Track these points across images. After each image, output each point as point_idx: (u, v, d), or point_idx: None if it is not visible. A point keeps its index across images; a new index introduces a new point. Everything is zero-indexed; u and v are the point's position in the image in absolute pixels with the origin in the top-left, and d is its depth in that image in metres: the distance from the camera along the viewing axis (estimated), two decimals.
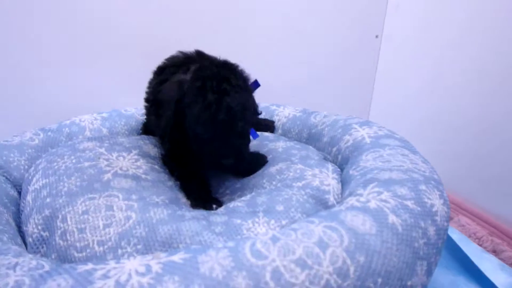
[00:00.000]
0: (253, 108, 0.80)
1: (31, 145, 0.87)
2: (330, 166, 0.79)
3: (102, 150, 0.82)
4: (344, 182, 0.74)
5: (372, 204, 0.55)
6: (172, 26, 1.21)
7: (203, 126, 0.71)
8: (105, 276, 0.43)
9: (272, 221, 0.62)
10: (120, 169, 0.77)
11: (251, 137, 0.84)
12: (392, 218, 0.52)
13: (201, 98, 0.69)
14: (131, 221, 0.64)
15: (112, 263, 0.46)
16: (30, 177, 0.78)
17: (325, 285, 0.43)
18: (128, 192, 0.70)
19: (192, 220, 0.64)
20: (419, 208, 0.56)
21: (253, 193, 0.73)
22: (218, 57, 0.81)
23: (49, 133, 0.93)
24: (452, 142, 1.12)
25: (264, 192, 0.71)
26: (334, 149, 0.87)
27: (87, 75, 1.21)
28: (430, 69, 1.20)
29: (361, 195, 0.60)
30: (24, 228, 0.69)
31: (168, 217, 0.65)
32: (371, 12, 1.24)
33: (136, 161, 0.81)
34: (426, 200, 0.58)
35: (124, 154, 0.82)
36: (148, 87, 0.91)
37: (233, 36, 1.21)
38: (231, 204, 0.71)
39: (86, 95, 1.22)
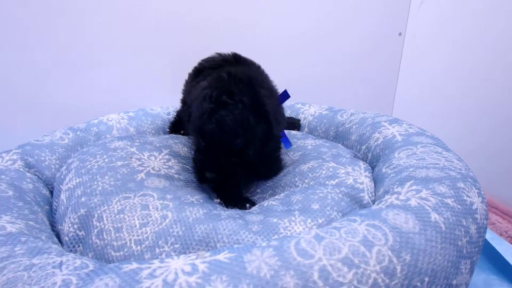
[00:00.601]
0: (266, 129, 0.74)
1: (61, 145, 0.89)
2: (362, 164, 0.78)
3: (133, 149, 0.83)
4: (376, 180, 0.74)
5: (413, 202, 0.54)
6: (197, 25, 1.21)
7: (194, 134, 0.72)
8: (152, 276, 0.43)
9: (309, 220, 0.62)
10: (153, 169, 0.77)
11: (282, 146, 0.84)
12: (434, 216, 0.51)
13: (200, 106, 0.69)
14: (167, 220, 0.64)
15: (156, 262, 0.46)
16: (62, 176, 0.79)
17: (373, 285, 0.42)
18: (162, 191, 0.70)
19: (229, 219, 0.64)
20: (459, 206, 0.55)
21: (286, 192, 0.73)
22: (255, 62, 0.81)
23: (78, 133, 0.94)
24: (480, 139, 1.10)
25: (298, 190, 0.71)
26: (364, 147, 0.87)
27: (113, 74, 1.22)
28: (454, 66, 1.19)
29: (399, 193, 0.59)
30: (59, 227, 0.70)
31: (204, 216, 0.65)
32: (394, 10, 1.22)
33: (167, 161, 0.82)
34: (465, 198, 0.57)
35: (155, 153, 0.83)
36: (184, 89, 0.92)
37: (257, 35, 1.21)
38: (265, 203, 0.70)
39: (113, 94, 1.23)
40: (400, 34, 1.26)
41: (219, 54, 0.86)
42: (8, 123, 1.17)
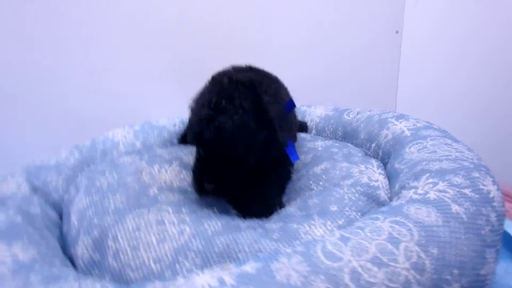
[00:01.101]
0: (271, 139, 0.71)
1: (68, 165, 0.87)
2: (374, 161, 0.78)
3: (143, 163, 0.82)
4: (390, 176, 0.74)
5: (432, 196, 0.54)
6: (205, 34, 1.21)
7: (193, 142, 0.69)
8: None
9: (329, 222, 0.61)
10: (165, 182, 0.76)
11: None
12: (455, 207, 0.51)
13: (198, 113, 0.67)
14: (185, 234, 0.63)
15: (181, 280, 0.46)
16: (71, 198, 0.78)
17: (405, 282, 0.42)
18: (177, 205, 0.69)
19: (249, 229, 0.63)
20: (477, 196, 0.55)
21: (302, 196, 0.72)
22: (268, 72, 0.81)
23: (84, 151, 0.93)
24: (484, 130, 1.11)
25: (314, 193, 0.70)
26: (373, 144, 0.87)
27: (118, 81, 1.21)
28: (452, 61, 1.20)
29: (416, 187, 0.59)
30: (72, 251, 0.69)
31: (223, 228, 0.64)
32: (390, 8, 1.23)
33: (179, 173, 0.81)
34: (481, 187, 0.57)
35: (165, 166, 0.82)
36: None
37: (255, 38, 1.20)
38: (283, 211, 0.70)
39: (117, 106, 1.22)
40: (397, 32, 1.26)
41: (234, 68, 0.83)
42: (9, 132, 1.15)
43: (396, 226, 0.48)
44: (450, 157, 0.65)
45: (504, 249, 0.81)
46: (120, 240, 0.64)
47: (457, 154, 0.66)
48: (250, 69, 0.83)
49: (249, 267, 0.45)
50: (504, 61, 1.06)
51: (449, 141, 0.72)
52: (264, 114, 0.68)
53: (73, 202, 0.76)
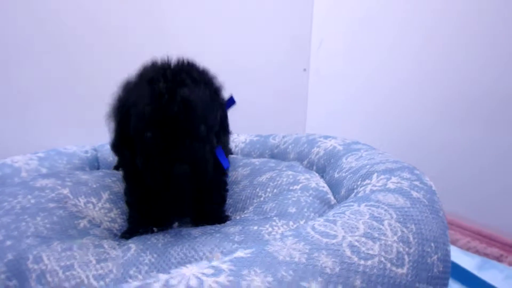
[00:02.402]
0: (224, 124, 0.68)
1: None
2: (314, 172, 0.80)
3: (66, 191, 0.70)
4: (330, 186, 0.76)
5: (391, 186, 0.57)
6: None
7: (151, 124, 0.54)
8: (168, 286, 0.36)
9: (291, 223, 0.60)
10: (93, 219, 0.67)
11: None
12: (415, 193, 0.55)
13: (149, 90, 0.54)
14: (132, 250, 0.55)
15: (163, 275, 0.38)
16: None
17: (397, 253, 0.42)
18: (115, 236, 0.61)
19: (205, 235, 0.58)
20: (426, 187, 0.59)
21: (253, 204, 0.69)
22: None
23: None
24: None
25: (268, 199, 0.68)
26: (305, 162, 0.89)
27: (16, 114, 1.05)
28: (355, 96, 1.34)
29: (368, 184, 0.62)
30: None
31: (174, 238, 0.58)
32: (298, 48, 1.36)
33: (109, 211, 0.71)
34: (425, 181, 0.62)
35: (93, 200, 0.71)
36: None
37: None
38: (237, 217, 0.66)
39: (14, 136, 1.04)
40: (304, 69, 1.39)
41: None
42: None
43: (374, 208, 0.49)
44: (389, 160, 0.71)
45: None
46: (46, 260, 0.53)
47: (394, 159, 0.72)
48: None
49: (243, 254, 0.40)
50: (412, 95, 1.22)
51: (380, 151, 0.79)
52: (217, 97, 0.63)
53: None
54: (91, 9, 1.11)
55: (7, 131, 1.08)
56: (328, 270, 0.37)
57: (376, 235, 0.43)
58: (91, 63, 1.15)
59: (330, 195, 0.70)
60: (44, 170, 0.86)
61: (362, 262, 0.39)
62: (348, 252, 0.40)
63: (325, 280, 0.37)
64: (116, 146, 0.62)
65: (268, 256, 0.39)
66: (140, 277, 0.51)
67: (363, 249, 0.41)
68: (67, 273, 0.51)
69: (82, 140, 1.02)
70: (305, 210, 0.63)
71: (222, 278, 0.36)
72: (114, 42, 1.16)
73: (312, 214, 0.63)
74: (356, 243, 0.41)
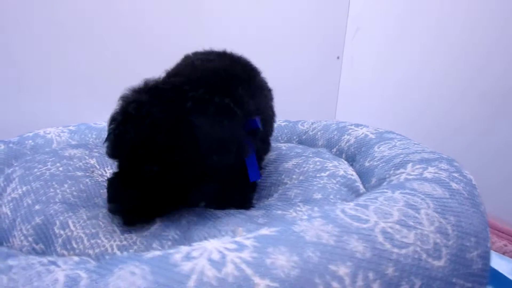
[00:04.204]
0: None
1: None
2: (343, 160, 0.77)
3: (93, 161, 0.71)
4: (360, 174, 0.73)
5: (428, 175, 0.54)
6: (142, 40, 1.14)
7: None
8: (188, 258, 0.35)
9: (316, 208, 0.58)
10: None
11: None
12: (454, 185, 0.51)
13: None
14: (156, 225, 0.54)
15: (184, 248, 0.37)
16: (0, 190, 0.63)
17: (434, 245, 0.39)
18: None
19: (228, 216, 0.56)
20: (465, 180, 0.56)
21: (278, 190, 0.68)
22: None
23: (11, 145, 0.78)
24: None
25: (293, 185, 0.66)
26: (334, 149, 0.86)
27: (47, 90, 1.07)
28: (391, 88, 1.29)
29: (403, 173, 0.59)
30: (4, 245, 0.54)
31: (198, 218, 0.57)
32: (332, 35, 1.31)
33: None
34: (465, 174, 0.58)
35: None
36: None
37: None
38: (262, 203, 0.64)
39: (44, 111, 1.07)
40: (338, 57, 1.34)
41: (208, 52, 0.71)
42: None
43: (409, 196, 0.46)
44: (425, 151, 0.67)
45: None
46: (72, 227, 0.53)
47: (430, 149, 0.68)
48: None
49: (268, 231, 0.38)
50: (447, 86, 1.17)
51: (415, 142, 0.75)
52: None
53: (3, 192, 0.62)
54: None
55: (37, 104, 1.10)
56: (358, 255, 0.35)
57: (411, 223, 0.40)
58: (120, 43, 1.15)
59: (359, 184, 0.67)
60: (74, 143, 0.88)
61: (395, 250, 0.37)
62: (380, 238, 0.37)
63: (355, 265, 0.34)
64: None
65: (294, 235, 0.37)
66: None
67: (397, 236, 0.38)
68: (92, 241, 0.51)
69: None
70: (331, 196, 0.60)
71: (245, 254, 0.35)
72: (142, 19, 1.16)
73: (339, 201, 0.60)
74: (390, 230, 0.39)
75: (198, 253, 0.35)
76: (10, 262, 0.36)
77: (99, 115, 1.05)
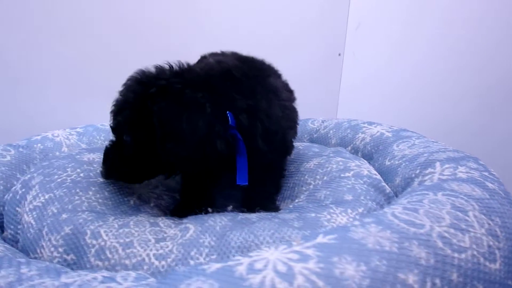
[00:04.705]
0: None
1: (3, 162, 0.69)
2: (362, 159, 0.77)
3: None
4: (382, 173, 0.73)
5: (462, 175, 0.54)
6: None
7: None
8: (253, 270, 0.34)
9: (349, 210, 0.57)
10: (141, 195, 0.66)
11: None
12: (490, 185, 0.52)
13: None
14: (191, 231, 0.53)
15: (242, 258, 0.37)
16: (18, 197, 0.61)
17: (488, 247, 0.40)
18: (166, 214, 0.60)
19: (263, 220, 0.56)
20: (495, 179, 0.56)
21: (304, 192, 0.67)
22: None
23: (20, 149, 0.75)
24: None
25: (320, 187, 0.66)
26: (349, 148, 0.86)
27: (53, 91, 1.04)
28: (392, 84, 1.30)
29: (433, 173, 0.59)
30: (31, 256, 0.52)
31: (232, 222, 0.56)
32: (333, 32, 1.31)
33: (154, 187, 0.70)
34: (493, 172, 0.59)
35: None
36: None
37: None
38: (289, 205, 0.64)
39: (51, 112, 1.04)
40: (339, 54, 1.34)
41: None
42: None
43: (453, 198, 0.46)
44: (448, 149, 0.67)
45: None
46: (105, 236, 0.51)
47: (452, 148, 0.69)
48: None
49: (324, 239, 0.38)
50: (448, 83, 1.18)
51: (432, 140, 0.75)
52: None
53: (23, 200, 0.60)
54: None
55: (36, 104, 1.07)
56: (423, 262, 0.35)
57: (464, 227, 0.41)
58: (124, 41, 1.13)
59: (384, 184, 0.67)
60: (83, 146, 0.85)
61: (456, 255, 0.37)
62: (440, 244, 0.37)
63: (422, 272, 0.34)
64: None
65: (356, 243, 0.36)
66: (201, 259, 0.49)
67: (454, 240, 0.38)
68: (127, 251, 0.49)
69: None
70: (362, 198, 0.60)
71: (311, 265, 0.34)
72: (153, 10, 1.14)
73: (370, 202, 0.60)
74: (446, 234, 0.39)
75: (262, 265, 0.34)
76: (64, 279, 0.34)
77: (99, 115, 1.03)
